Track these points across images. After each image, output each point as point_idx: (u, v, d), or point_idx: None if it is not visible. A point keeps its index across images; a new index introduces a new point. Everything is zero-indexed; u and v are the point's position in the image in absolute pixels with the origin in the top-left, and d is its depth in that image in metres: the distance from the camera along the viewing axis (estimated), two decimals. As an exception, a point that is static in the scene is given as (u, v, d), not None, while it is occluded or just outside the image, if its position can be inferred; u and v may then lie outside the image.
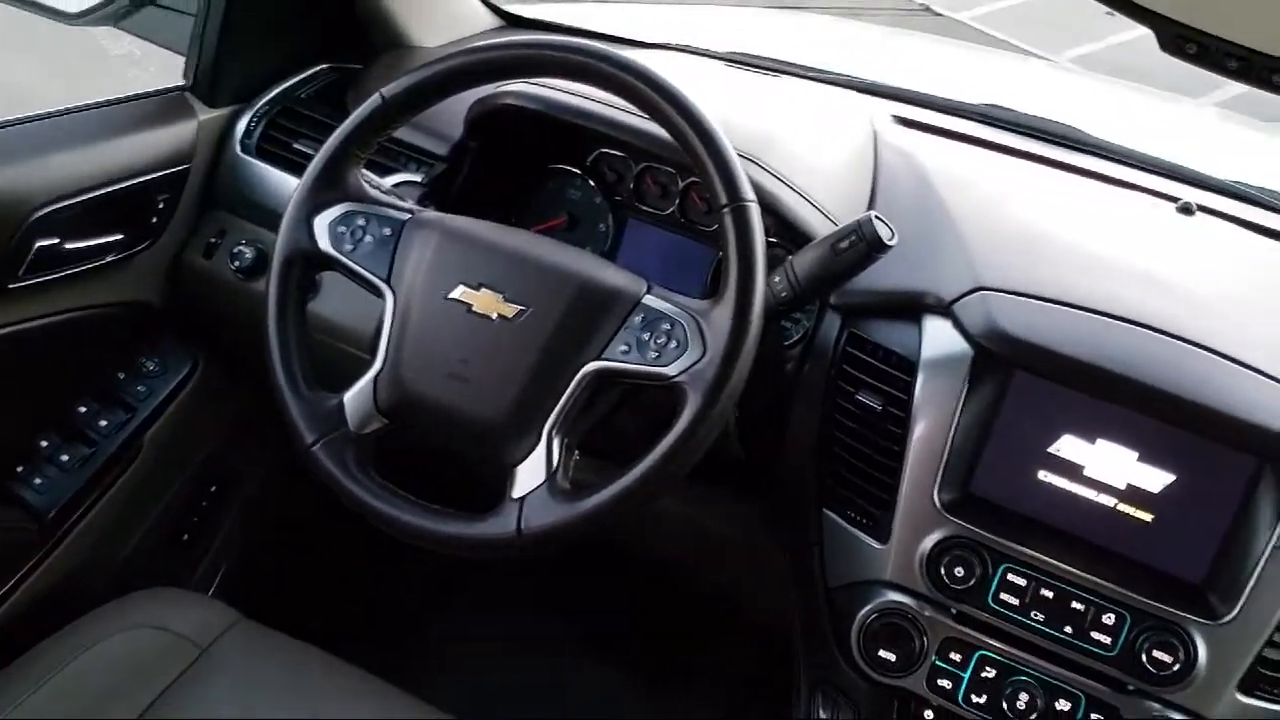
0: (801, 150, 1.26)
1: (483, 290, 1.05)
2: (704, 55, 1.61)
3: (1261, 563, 0.99)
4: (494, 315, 1.04)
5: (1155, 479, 1.04)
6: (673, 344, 1.00)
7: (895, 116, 1.47)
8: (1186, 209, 1.34)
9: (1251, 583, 0.99)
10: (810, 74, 1.59)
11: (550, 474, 1.00)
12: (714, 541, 1.37)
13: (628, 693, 1.79)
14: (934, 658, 1.08)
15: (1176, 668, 1.01)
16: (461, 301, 1.05)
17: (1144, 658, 1.01)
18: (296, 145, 1.44)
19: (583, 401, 1.02)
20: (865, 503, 1.13)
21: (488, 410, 1.02)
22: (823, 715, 1.19)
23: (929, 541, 1.07)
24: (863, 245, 1.03)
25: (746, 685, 1.77)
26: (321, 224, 1.09)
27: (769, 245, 1.06)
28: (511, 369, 1.02)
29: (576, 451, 1.04)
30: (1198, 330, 1.07)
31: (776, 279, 1.06)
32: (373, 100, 1.10)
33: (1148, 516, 1.04)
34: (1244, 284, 1.21)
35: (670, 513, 1.32)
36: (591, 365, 1.01)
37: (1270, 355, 1.06)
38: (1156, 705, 1.03)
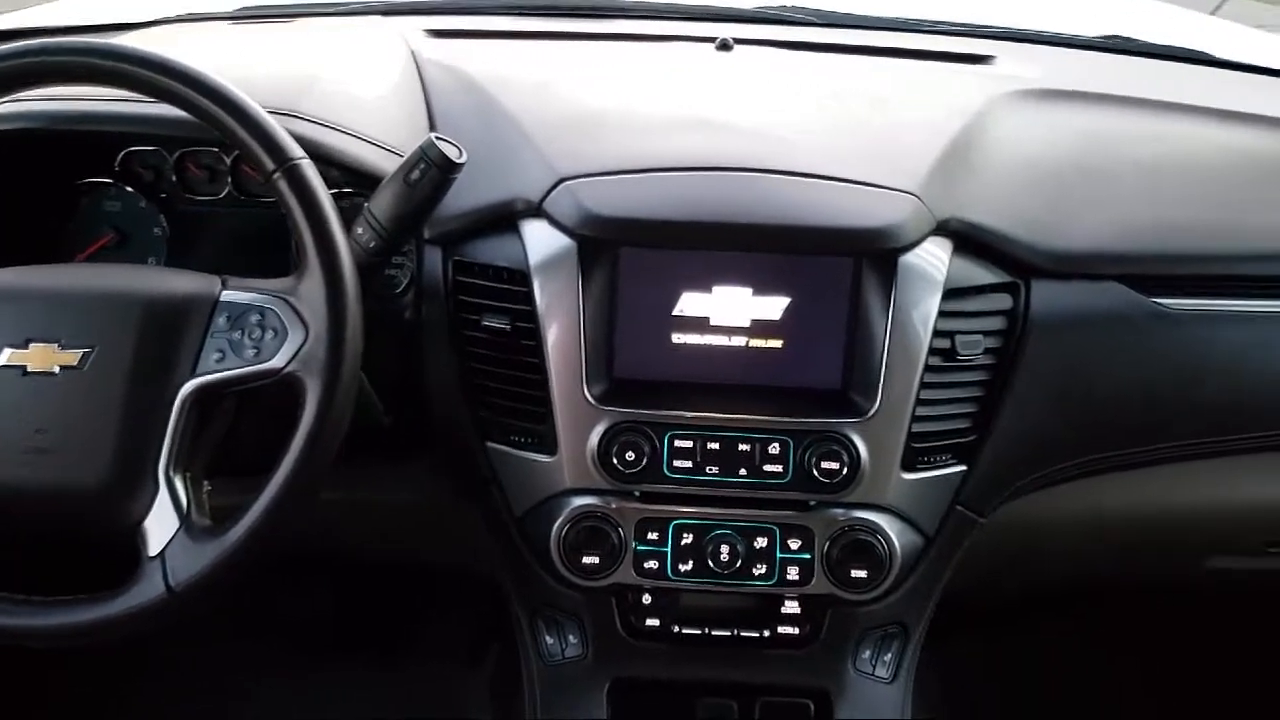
0: (339, 89, 1.19)
1: (33, 346, 0.92)
2: (207, 19, 1.48)
3: (886, 352, 1.06)
4: (56, 369, 0.91)
5: (774, 307, 1.08)
6: (269, 334, 0.92)
7: (428, 30, 1.42)
8: (725, 45, 1.39)
9: (883, 372, 1.06)
10: (326, 10, 1.50)
11: (184, 517, 0.90)
12: (399, 513, 1.31)
13: (355, 692, 1.71)
14: (634, 544, 1.09)
15: (845, 470, 1.06)
16: (12, 366, 0.91)
17: (815, 472, 1.06)
18: None
19: (193, 428, 0.92)
20: (524, 422, 1.11)
21: (87, 476, 0.91)
22: (549, 641, 1.18)
23: (594, 437, 1.06)
24: (433, 170, 0.98)
25: (477, 641, 1.74)
26: None
27: (341, 197, 0.99)
28: (97, 421, 0.91)
29: (207, 482, 0.95)
30: (766, 157, 1.10)
31: (360, 230, 1.00)
32: None
33: (778, 343, 1.08)
34: (795, 101, 1.27)
35: (343, 501, 1.25)
36: (188, 386, 0.92)
37: (836, 161, 1.11)
38: (839, 510, 1.09)
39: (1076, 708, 1.82)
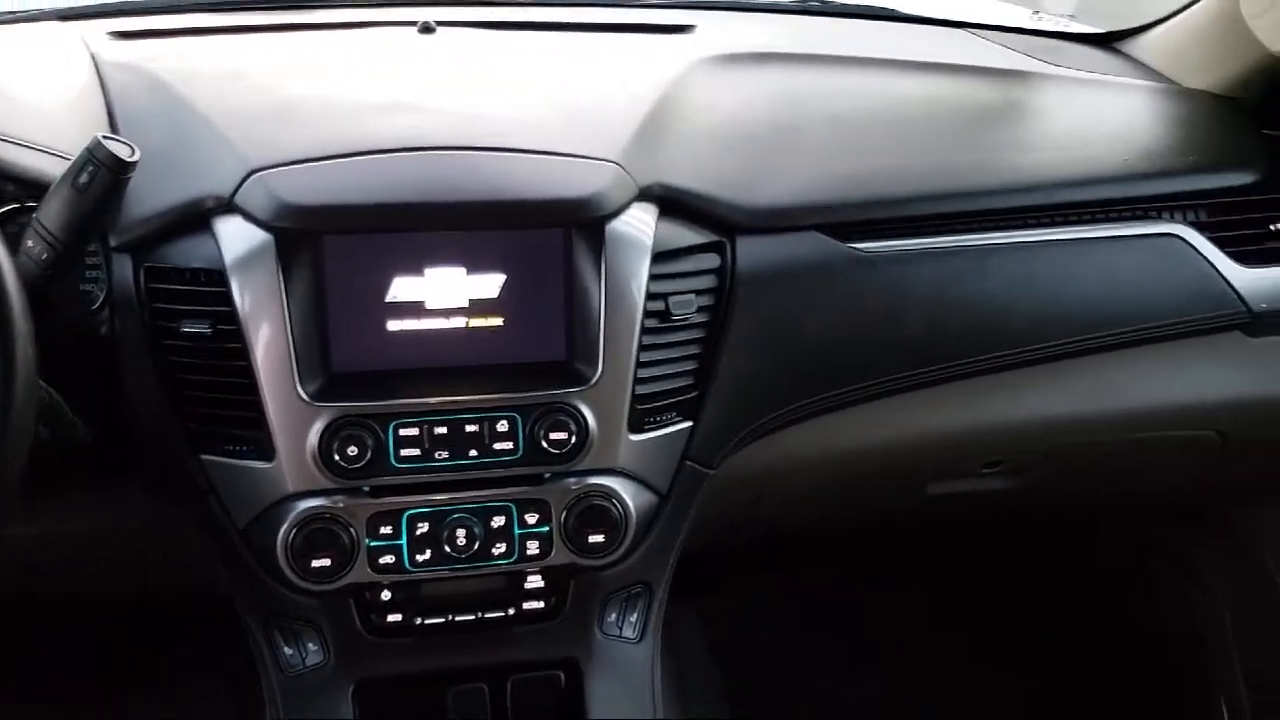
0: (6, 99, 1.10)
1: None
2: None
3: (603, 319, 1.07)
4: None
5: (490, 284, 1.07)
6: None
7: (112, 33, 1.34)
8: (427, 28, 1.37)
9: (602, 338, 1.07)
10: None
11: None
12: (118, 540, 1.23)
13: None
14: (367, 541, 1.06)
15: (574, 439, 1.07)
16: None
17: (544, 444, 1.07)
18: None
19: None
20: (238, 430, 1.06)
21: None
22: (288, 651, 1.14)
23: (313, 436, 1.03)
24: (103, 171, 0.92)
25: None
26: None
27: (21, 211, 0.92)
28: None
29: None
30: (468, 135, 1.09)
31: (30, 243, 0.93)
32: None
33: (499, 320, 1.08)
34: (498, 79, 1.27)
35: (58, 535, 1.16)
36: None
37: (539, 135, 1.11)
38: (573, 479, 1.09)
39: (828, 647, 1.91)
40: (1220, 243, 1.27)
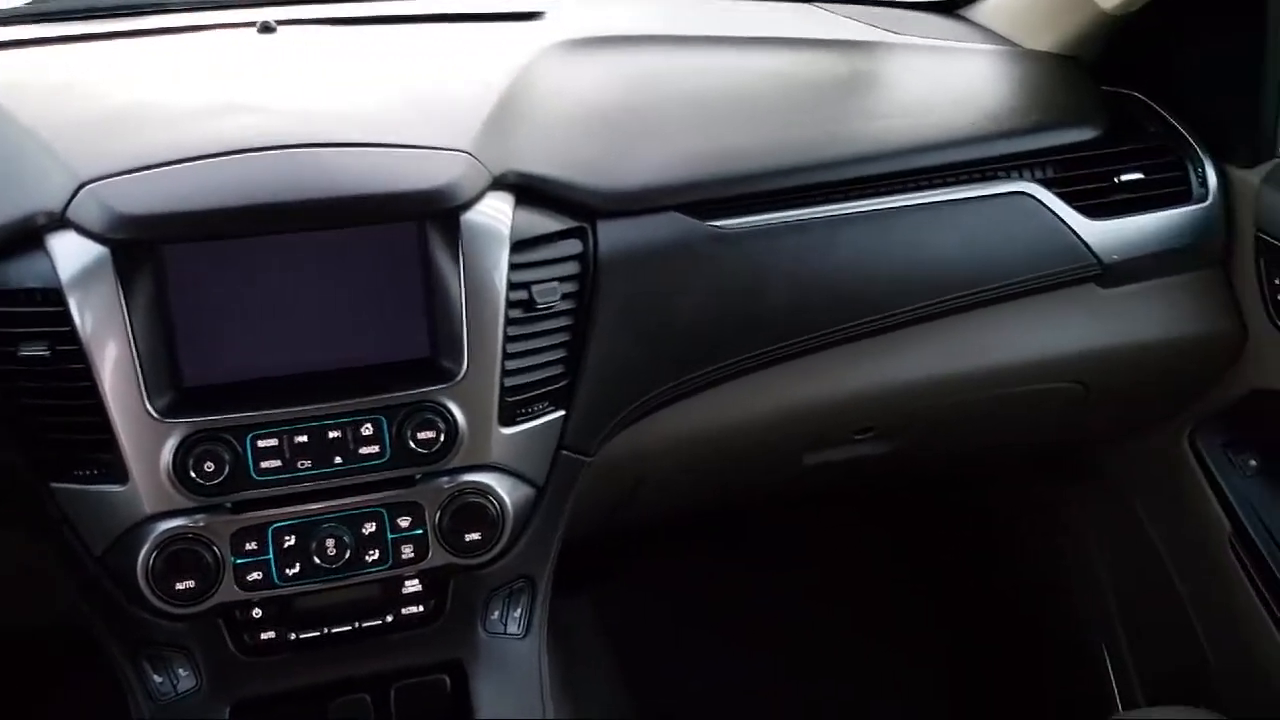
0: None
1: None
2: None
3: (465, 312, 1.04)
4: None
5: (344, 285, 1.04)
6: None
7: None
8: (266, 28, 1.33)
9: (466, 332, 1.05)
10: None
11: None
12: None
13: None
14: (233, 559, 1.02)
15: (443, 438, 1.04)
16: None
17: (413, 445, 1.04)
18: None
19: None
20: (87, 454, 1.01)
21: None
22: (157, 679, 1.09)
23: (166, 455, 0.98)
24: None
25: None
26: None
27: None
28: None
29: None
30: (312, 133, 1.06)
31: None
32: None
33: (356, 321, 1.05)
34: (343, 76, 1.23)
35: None
36: None
37: (386, 129, 1.08)
38: (445, 479, 1.07)
39: (721, 628, 1.93)
40: (1068, 198, 1.30)
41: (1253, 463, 1.44)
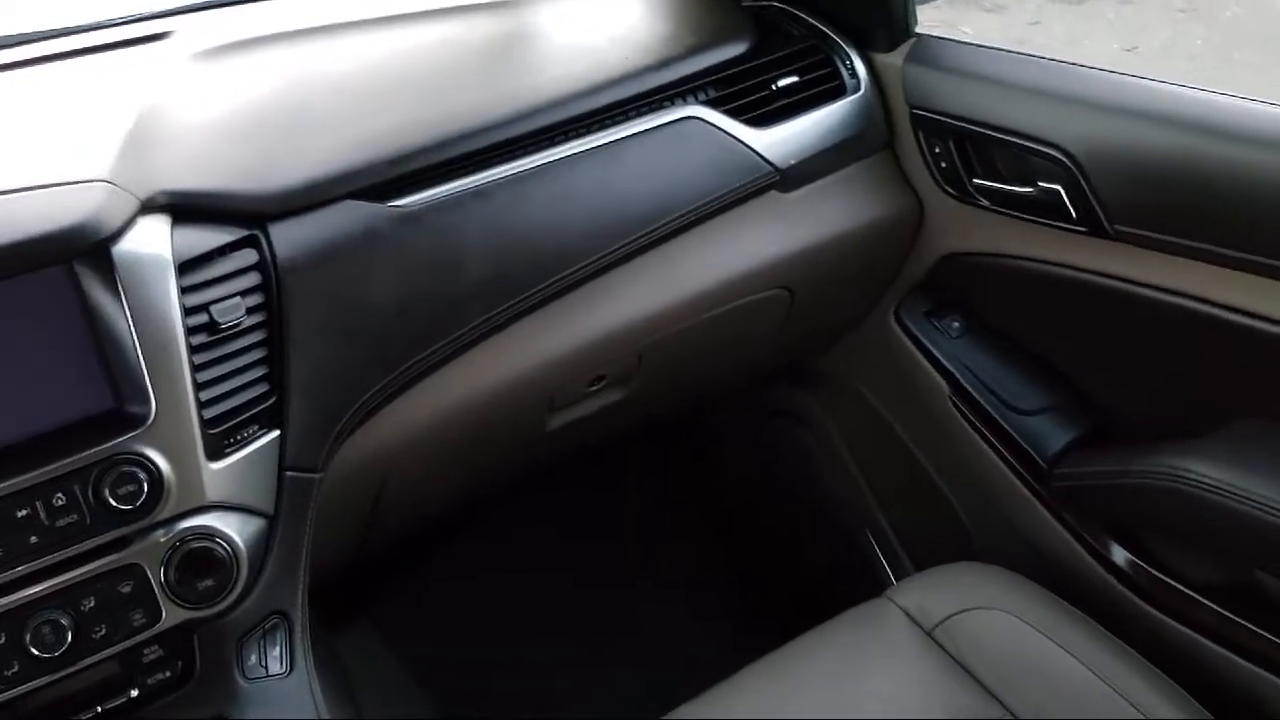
0: None
1: None
2: None
3: (139, 350, 0.96)
4: None
5: (2, 346, 0.94)
6: None
7: None
8: None
9: (146, 371, 0.97)
10: None
11: None
12: None
13: None
14: None
15: (148, 488, 0.96)
16: None
17: (114, 503, 0.95)
18: None
19: None
20: None
21: None
22: None
23: None
24: None
25: None
26: None
27: None
28: None
29: None
30: None
31: None
32: None
33: (21, 384, 0.94)
34: None
35: None
36: None
37: (12, 172, 0.98)
38: (160, 531, 0.99)
39: (509, 615, 1.91)
40: (734, 113, 1.34)
41: (955, 324, 1.53)
